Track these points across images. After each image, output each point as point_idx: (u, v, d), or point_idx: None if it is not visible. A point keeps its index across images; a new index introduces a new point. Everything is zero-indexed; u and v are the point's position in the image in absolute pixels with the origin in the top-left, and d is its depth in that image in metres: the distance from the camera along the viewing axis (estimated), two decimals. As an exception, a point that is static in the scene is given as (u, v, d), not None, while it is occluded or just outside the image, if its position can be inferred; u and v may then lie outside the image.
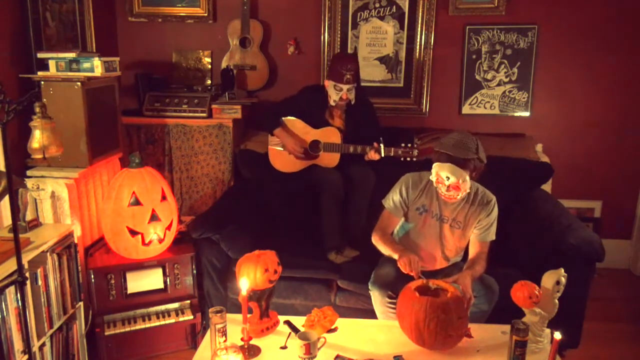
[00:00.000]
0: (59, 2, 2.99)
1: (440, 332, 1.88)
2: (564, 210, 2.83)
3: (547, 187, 3.27)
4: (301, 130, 3.03)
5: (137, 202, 2.58)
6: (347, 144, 2.94)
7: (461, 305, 1.94)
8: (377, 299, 2.32)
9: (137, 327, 2.61)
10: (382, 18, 3.50)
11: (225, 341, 1.86)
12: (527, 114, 3.55)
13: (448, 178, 2.17)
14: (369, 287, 2.36)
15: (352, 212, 2.91)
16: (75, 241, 2.47)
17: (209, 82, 3.66)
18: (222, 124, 3.31)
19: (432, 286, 2.06)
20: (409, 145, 2.84)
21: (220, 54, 3.59)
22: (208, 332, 1.93)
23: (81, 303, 2.53)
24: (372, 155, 2.86)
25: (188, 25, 3.61)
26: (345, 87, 2.90)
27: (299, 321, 2.08)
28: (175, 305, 2.72)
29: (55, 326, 2.30)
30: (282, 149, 3.07)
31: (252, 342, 1.93)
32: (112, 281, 2.59)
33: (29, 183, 2.56)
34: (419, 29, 3.46)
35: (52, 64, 2.65)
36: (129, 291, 2.63)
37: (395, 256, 2.24)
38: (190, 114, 3.32)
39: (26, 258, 2.04)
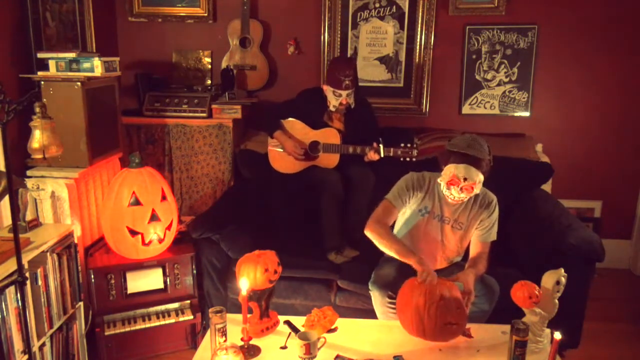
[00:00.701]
0: (59, 2, 2.99)
1: (440, 317, 1.90)
2: (564, 210, 2.83)
3: (547, 187, 3.27)
4: (300, 131, 3.03)
5: (137, 202, 2.58)
6: (347, 145, 2.94)
7: (458, 297, 1.97)
8: (377, 299, 2.32)
9: (137, 327, 2.61)
10: (382, 18, 3.50)
11: (225, 341, 1.86)
12: (527, 114, 3.55)
13: (465, 179, 2.15)
14: (369, 287, 2.36)
15: (352, 213, 2.91)
16: (75, 241, 2.47)
17: (209, 82, 3.66)
18: (222, 124, 3.31)
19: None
20: (409, 145, 2.84)
21: (220, 54, 3.59)
22: (208, 332, 1.93)
23: (81, 303, 2.53)
24: (372, 156, 2.86)
25: (188, 25, 3.61)
26: (344, 92, 2.90)
27: (299, 321, 2.08)
28: (175, 305, 2.72)
29: (55, 326, 2.30)
30: (281, 150, 3.07)
31: (252, 342, 1.93)
32: (112, 281, 2.59)
33: (29, 183, 2.56)
34: (419, 29, 3.46)
35: (52, 64, 2.65)
36: (129, 291, 2.63)
37: (406, 260, 2.19)
38: (190, 114, 3.33)
39: (26, 258, 2.04)
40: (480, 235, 2.35)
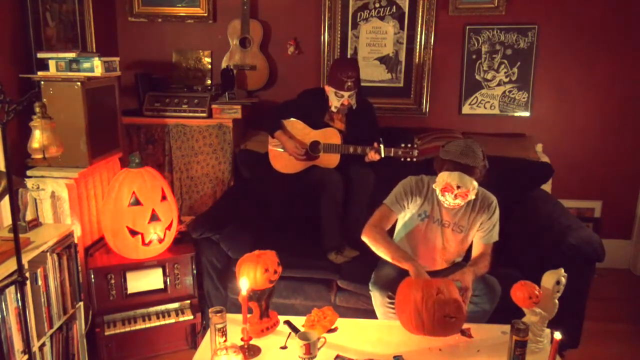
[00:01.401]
0: (59, 2, 2.99)
1: (438, 310, 1.92)
2: (564, 210, 2.83)
3: (547, 187, 3.27)
4: (301, 131, 3.03)
5: (137, 202, 2.58)
6: (347, 145, 2.94)
7: (456, 291, 2.00)
8: (377, 299, 2.32)
9: (137, 327, 2.61)
10: (382, 18, 3.50)
11: (225, 341, 1.86)
12: (527, 114, 3.55)
13: (458, 187, 2.15)
14: (370, 288, 2.36)
15: (352, 213, 2.90)
16: (75, 241, 2.46)
17: (209, 82, 3.66)
18: (222, 124, 3.31)
19: None
20: (409, 145, 2.84)
21: (220, 54, 3.59)
22: (208, 332, 1.93)
23: (81, 303, 2.53)
24: (372, 156, 2.86)
25: (188, 25, 3.61)
26: (346, 94, 2.90)
27: (299, 321, 2.08)
28: (175, 305, 2.72)
29: (55, 326, 2.30)
30: (282, 150, 3.07)
31: (252, 342, 1.93)
32: (112, 281, 2.59)
33: (29, 183, 2.56)
34: (419, 29, 3.46)
35: (52, 64, 2.65)
36: (129, 291, 2.63)
37: (402, 265, 2.19)
38: (190, 114, 3.32)
39: (26, 258, 2.04)
40: (482, 237, 2.35)
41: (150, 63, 3.66)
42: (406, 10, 3.47)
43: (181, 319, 2.68)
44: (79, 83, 2.58)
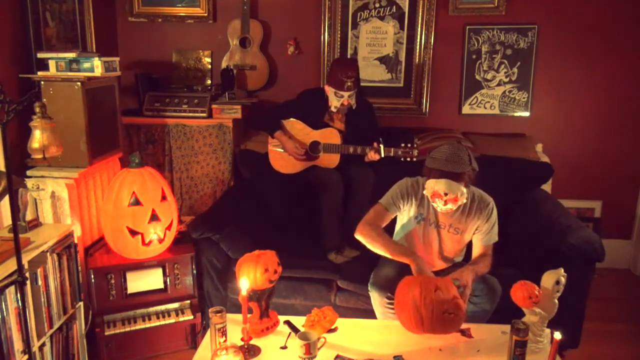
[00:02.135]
0: (59, 2, 2.99)
1: (437, 306, 1.93)
2: (564, 210, 2.83)
3: (547, 187, 3.27)
4: (301, 131, 3.03)
5: (137, 202, 2.58)
6: (347, 145, 2.94)
7: (454, 289, 2.00)
8: (376, 299, 2.32)
9: (137, 327, 2.61)
10: (382, 18, 3.50)
11: (225, 341, 1.86)
12: (527, 114, 3.55)
13: (446, 194, 2.15)
14: (369, 288, 2.36)
15: (353, 212, 2.90)
16: (75, 241, 2.46)
17: (209, 82, 3.66)
18: (222, 124, 3.31)
19: None
20: (409, 145, 2.84)
21: (220, 54, 3.59)
22: (208, 332, 1.93)
23: (81, 303, 2.53)
24: (372, 156, 2.86)
25: (188, 25, 3.61)
26: (346, 94, 2.90)
27: (299, 321, 2.08)
28: (175, 305, 2.72)
29: (55, 326, 2.30)
30: (282, 150, 3.07)
31: (252, 342, 1.93)
32: (112, 281, 2.59)
33: (29, 183, 2.56)
34: (419, 29, 3.46)
35: (52, 64, 2.65)
36: (129, 291, 2.63)
37: (401, 259, 2.21)
38: (190, 114, 3.32)
39: (26, 258, 2.04)
40: (481, 239, 2.35)
41: (150, 63, 3.66)
42: (406, 10, 3.47)
43: (181, 319, 2.68)
44: (79, 83, 2.58)
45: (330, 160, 3.01)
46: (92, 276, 2.54)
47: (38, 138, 1.94)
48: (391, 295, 2.23)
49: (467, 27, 3.47)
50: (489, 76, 3.53)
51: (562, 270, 1.97)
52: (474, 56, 3.51)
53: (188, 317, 2.69)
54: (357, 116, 3.03)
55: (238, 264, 2.04)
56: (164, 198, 2.68)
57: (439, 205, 2.21)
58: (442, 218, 2.33)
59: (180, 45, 3.67)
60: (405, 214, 2.39)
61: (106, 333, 2.55)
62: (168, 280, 2.69)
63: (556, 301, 1.95)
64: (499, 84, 3.53)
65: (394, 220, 2.45)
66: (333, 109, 2.98)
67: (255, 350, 1.92)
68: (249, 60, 3.55)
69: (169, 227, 2.70)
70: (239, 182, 3.34)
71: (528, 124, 3.56)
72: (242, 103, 3.36)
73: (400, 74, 3.58)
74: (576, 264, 2.37)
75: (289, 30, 3.57)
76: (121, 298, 2.61)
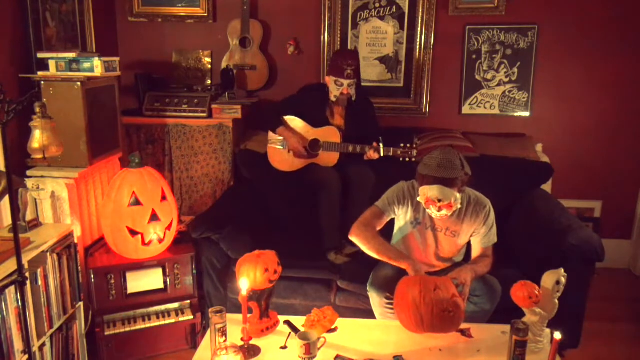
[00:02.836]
0: (59, 2, 2.99)
1: (437, 305, 1.93)
2: (564, 210, 2.83)
3: (547, 187, 3.27)
4: (301, 129, 3.04)
5: (137, 202, 2.58)
6: (347, 144, 2.95)
7: (453, 288, 2.01)
8: (375, 300, 2.32)
9: (137, 327, 2.61)
10: (382, 18, 3.50)
11: (225, 341, 1.86)
12: (527, 114, 3.55)
13: (439, 200, 2.14)
14: (367, 289, 2.36)
15: (352, 212, 2.90)
16: (75, 241, 2.47)
17: (209, 82, 3.66)
18: (222, 124, 3.31)
19: None
20: (408, 145, 2.84)
21: (220, 54, 3.59)
22: (208, 332, 1.93)
23: (81, 303, 2.53)
24: (371, 155, 2.87)
25: (188, 25, 3.61)
26: (346, 82, 2.92)
27: (299, 321, 2.08)
28: (175, 305, 2.72)
29: (55, 326, 2.30)
30: (281, 147, 3.08)
31: (252, 342, 1.93)
32: (112, 281, 2.59)
33: (29, 183, 2.56)
34: (419, 29, 3.46)
35: (52, 64, 2.65)
36: (129, 291, 2.63)
37: (398, 264, 2.21)
38: (190, 114, 3.32)
39: (26, 258, 2.04)
40: (480, 241, 2.35)
41: (150, 63, 3.66)
42: (406, 10, 3.47)
43: (181, 319, 2.68)
44: (79, 83, 2.58)
45: (330, 158, 3.01)
46: (92, 276, 2.54)
47: (38, 138, 1.94)
48: (390, 296, 2.24)
49: (467, 27, 3.47)
50: (489, 76, 3.53)
51: (562, 270, 1.97)
52: (474, 56, 3.51)
53: (188, 317, 2.69)
54: (357, 111, 3.04)
55: (238, 264, 2.04)
56: (164, 198, 2.68)
57: (433, 211, 2.19)
58: (437, 222, 2.33)
59: (180, 45, 3.67)
60: (401, 218, 2.38)
61: (106, 333, 2.55)
62: (168, 280, 2.69)
63: (556, 301, 1.95)
64: (499, 84, 3.53)
65: (391, 224, 2.44)
66: (333, 99, 2.99)
67: (255, 350, 1.92)
68: (249, 60, 3.55)
69: (169, 227, 2.70)
70: (239, 182, 3.34)
71: (528, 124, 3.56)
72: (242, 103, 3.36)
73: (400, 74, 3.58)
74: (576, 264, 2.37)
75: (289, 30, 3.57)
76: (121, 298, 2.61)
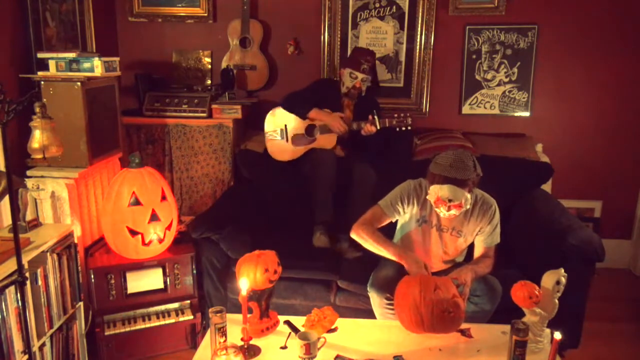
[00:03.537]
0: (59, 2, 2.99)
1: (437, 305, 1.93)
2: (564, 210, 2.83)
3: (547, 187, 3.27)
4: (300, 121, 3.10)
5: (137, 202, 2.58)
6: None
7: (453, 288, 2.01)
8: (375, 300, 2.32)
9: (137, 327, 2.61)
10: (382, 18, 3.50)
11: (225, 341, 1.86)
12: (527, 114, 3.55)
13: (450, 200, 2.13)
14: (368, 289, 2.35)
15: (354, 211, 2.90)
16: (75, 241, 2.47)
17: (209, 82, 3.66)
18: (222, 124, 3.31)
19: None
20: (402, 115, 2.91)
21: (220, 54, 3.59)
22: (208, 332, 1.93)
23: (81, 303, 2.53)
24: (369, 129, 2.94)
25: (188, 25, 3.61)
26: (360, 75, 3.03)
27: (299, 321, 2.08)
28: (175, 305, 2.72)
29: (55, 326, 2.30)
30: (279, 138, 3.12)
31: (252, 342, 1.93)
32: (112, 281, 2.59)
33: (29, 183, 2.56)
34: (419, 29, 3.47)
35: (52, 64, 2.65)
36: (129, 291, 2.63)
37: (400, 260, 2.21)
38: (190, 114, 3.32)
39: (26, 258, 2.04)
40: (483, 240, 2.35)
41: (150, 63, 3.66)
42: (406, 10, 3.47)
43: (181, 319, 2.68)
44: (79, 83, 2.58)
45: (327, 141, 3.06)
46: (92, 276, 2.54)
47: (38, 138, 1.94)
48: (390, 296, 2.23)
49: (467, 27, 3.47)
50: (489, 76, 3.53)
51: (563, 270, 1.97)
52: (474, 56, 3.51)
53: (188, 317, 2.69)
54: (364, 107, 3.10)
55: (238, 264, 2.04)
56: (164, 198, 2.68)
57: (442, 211, 2.19)
58: (444, 221, 2.32)
59: (180, 45, 3.67)
60: (406, 216, 2.38)
61: (106, 333, 2.55)
62: (168, 280, 2.69)
63: (556, 301, 1.95)
64: (499, 84, 3.53)
65: (393, 223, 2.44)
66: (344, 90, 3.08)
67: (255, 350, 1.92)
68: (249, 60, 3.55)
69: (169, 227, 2.70)
70: (239, 182, 3.34)
71: (528, 124, 3.56)
72: (242, 103, 3.36)
73: (400, 73, 3.58)
74: (576, 264, 2.37)
75: (289, 30, 3.57)
76: (121, 298, 2.61)
